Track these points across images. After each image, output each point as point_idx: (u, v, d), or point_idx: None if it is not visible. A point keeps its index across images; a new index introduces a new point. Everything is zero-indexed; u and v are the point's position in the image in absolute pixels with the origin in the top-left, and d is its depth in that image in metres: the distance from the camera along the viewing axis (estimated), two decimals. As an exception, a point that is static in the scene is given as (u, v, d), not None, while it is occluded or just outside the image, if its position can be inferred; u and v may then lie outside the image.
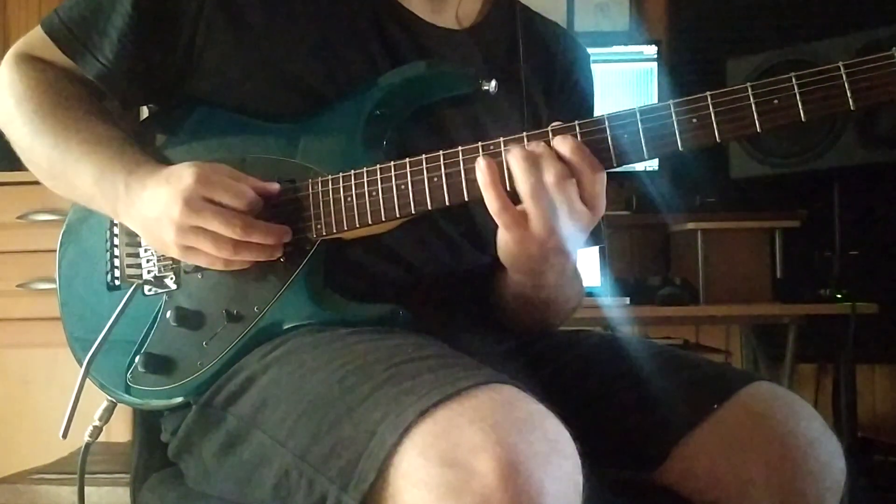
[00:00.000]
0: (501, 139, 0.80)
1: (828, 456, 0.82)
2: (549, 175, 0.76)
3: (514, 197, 0.78)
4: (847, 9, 2.48)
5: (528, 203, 0.77)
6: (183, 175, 0.82)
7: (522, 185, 0.76)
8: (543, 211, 0.76)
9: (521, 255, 0.83)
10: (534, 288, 0.90)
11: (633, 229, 2.51)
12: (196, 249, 0.83)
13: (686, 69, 2.53)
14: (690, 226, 2.23)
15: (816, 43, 2.12)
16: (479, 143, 0.81)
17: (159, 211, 0.83)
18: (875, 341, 2.37)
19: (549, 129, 0.79)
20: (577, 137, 0.78)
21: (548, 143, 0.78)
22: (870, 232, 2.42)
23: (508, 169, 0.78)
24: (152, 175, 0.85)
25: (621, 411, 0.89)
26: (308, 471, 0.70)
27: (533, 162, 0.76)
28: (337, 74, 0.90)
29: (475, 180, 0.80)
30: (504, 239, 0.83)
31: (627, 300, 2.11)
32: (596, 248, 2.06)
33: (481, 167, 0.78)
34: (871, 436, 2.41)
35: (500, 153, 0.80)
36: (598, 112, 1.08)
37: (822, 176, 2.21)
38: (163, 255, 0.91)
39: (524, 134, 0.80)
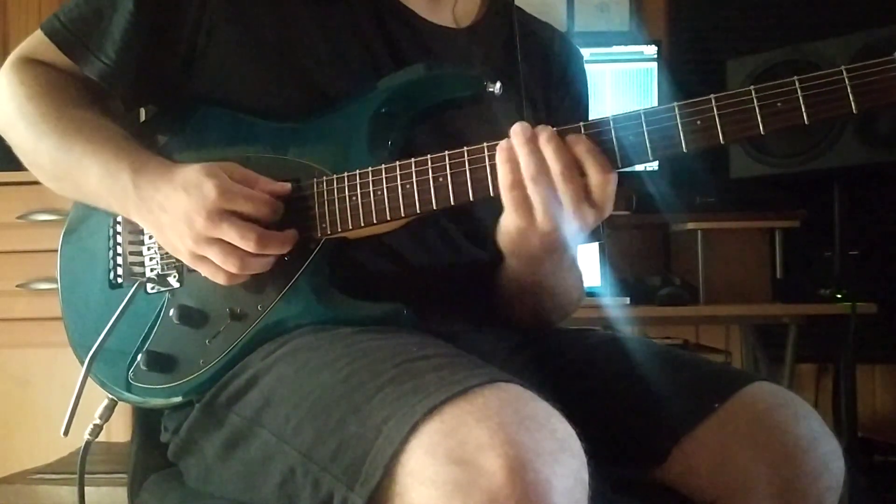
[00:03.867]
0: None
1: (827, 456, 0.82)
2: (556, 165, 0.77)
3: None
4: (847, 9, 2.49)
5: (529, 187, 0.78)
6: (203, 187, 0.82)
7: (525, 169, 0.77)
8: (544, 198, 0.77)
9: (522, 243, 0.84)
10: (530, 274, 0.91)
11: (633, 229, 2.51)
12: (206, 260, 0.84)
13: (686, 69, 2.53)
14: (690, 226, 2.23)
15: (816, 43, 2.12)
16: (485, 144, 0.81)
17: (177, 219, 0.83)
18: (875, 341, 2.37)
19: (554, 130, 0.80)
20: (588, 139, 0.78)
21: (558, 133, 0.78)
22: (870, 232, 2.42)
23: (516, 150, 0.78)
24: (162, 176, 0.85)
25: (622, 410, 0.89)
26: (314, 469, 0.70)
27: (533, 148, 0.77)
28: (339, 71, 0.90)
29: (481, 180, 0.80)
30: (506, 225, 0.83)
31: (627, 300, 2.12)
32: (596, 248, 2.07)
33: (502, 146, 0.79)
34: (871, 436, 2.41)
35: None
36: (592, 112, 1.10)
37: (822, 176, 2.21)
38: (166, 254, 0.91)
39: None
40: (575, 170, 0.77)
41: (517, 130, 0.79)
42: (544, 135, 0.78)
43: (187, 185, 0.83)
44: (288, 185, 0.86)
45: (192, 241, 0.83)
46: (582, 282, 1.06)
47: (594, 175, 0.78)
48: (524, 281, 0.93)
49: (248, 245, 0.81)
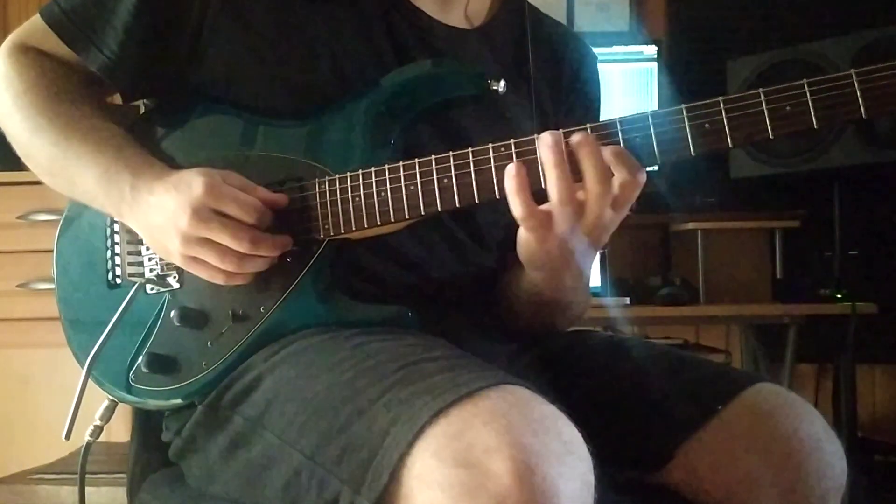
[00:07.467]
0: (512, 141, 0.80)
1: (830, 457, 0.82)
2: (593, 172, 0.75)
3: (540, 195, 0.78)
4: (847, 9, 2.48)
5: (556, 208, 0.77)
6: (192, 184, 0.81)
7: (554, 191, 0.76)
8: (570, 216, 0.77)
9: (541, 253, 0.83)
10: (551, 289, 0.90)
11: (633, 229, 2.51)
12: (199, 260, 0.83)
13: (686, 69, 2.53)
14: (690, 226, 2.23)
15: (816, 43, 2.12)
16: (490, 146, 0.80)
17: (166, 218, 0.82)
18: (875, 341, 2.37)
19: (561, 132, 0.79)
20: (620, 142, 0.76)
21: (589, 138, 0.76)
22: (870, 232, 2.42)
23: (543, 168, 0.77)
24: (159, 179, 0.84)
25: (625, 412, 0.89)
26: (319, 471, 0.70)
27: (563, 170, 0.76)
28: (345, 72, 0.90)
29: (486, 182, 0.80)
30: (525, 237, 0.83)
31: (627, 300, 2.12)
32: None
33: (510, 173, 0.77)
34: (871, 436, 2.41)
35: (510, 156, 0.79)
36: (604, 113, 1.09)
37: (822, 176, 2.21)
38: (166, 255, 0.90)
39: (535, 136, 0.79)
40: (608, 183, 0.76)
41: (548, 152, 0.76)
42: (582, 141, 0.76)
43: (179, 183, 0.82)
44: (285, 197, 0.85)
45: (180, 241, 0.82)
46: (589, 292, 1.06)
47: (626, 180, 0.76)
48: (546, 296, 0.93)
49: (240, 245, 0.81)
